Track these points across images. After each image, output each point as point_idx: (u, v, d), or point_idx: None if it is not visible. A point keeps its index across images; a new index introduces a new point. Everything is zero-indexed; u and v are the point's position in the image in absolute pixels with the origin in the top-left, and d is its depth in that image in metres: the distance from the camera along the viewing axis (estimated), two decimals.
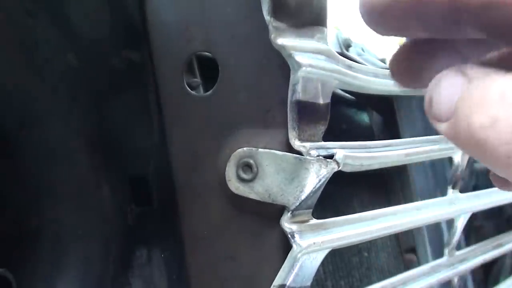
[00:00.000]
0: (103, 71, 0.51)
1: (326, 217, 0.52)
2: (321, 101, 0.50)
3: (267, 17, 0.47)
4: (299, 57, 0.47)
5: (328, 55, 0.50)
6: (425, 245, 0.93)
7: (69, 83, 0.48)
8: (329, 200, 0.50)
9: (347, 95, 0.84)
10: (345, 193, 0.86)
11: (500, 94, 0.28)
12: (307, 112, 0.49)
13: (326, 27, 0.51)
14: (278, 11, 0.47)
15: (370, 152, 0.54)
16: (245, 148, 0.50)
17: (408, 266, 0.94)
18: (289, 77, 0.48)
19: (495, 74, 0.29)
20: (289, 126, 0.48)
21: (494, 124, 0.27)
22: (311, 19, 0.50)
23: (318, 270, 0.52)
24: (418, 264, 0.92)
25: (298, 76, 0.47)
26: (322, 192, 0.49)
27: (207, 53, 0.53)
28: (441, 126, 0.30)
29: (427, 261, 0.90)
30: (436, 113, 0.31)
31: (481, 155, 0.28)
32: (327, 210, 0.65)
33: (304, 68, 0.47)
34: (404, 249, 0.96)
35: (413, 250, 0.95)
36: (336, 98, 0.51)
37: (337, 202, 0.81)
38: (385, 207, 0.61)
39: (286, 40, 0.48)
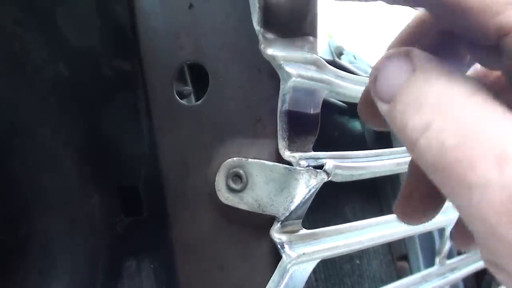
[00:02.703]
0: (93, 80, 0.51)
1: (317, 225, 0.52)
2: (311, 111, 0.50)
3: (257, 27, 0.47)
4: (289, 68, 0.47)
5: (318, 65, 0.50)
6: (417, 253, 0.93)
7: (59, 92, 0.48)
8: (321, 207, 0.50)
9: (339, 102, 0.84)
10: (337, 200, 0.86)
11: (436, 99, 0.28)
12: (297, 122, 0.49)
13: (316, 37, 0.51)
14: (268, 21, 0.47)
15: (360, 162, 0.54)
16: (235, 158, 0.50)
17: (400, 274, 0.94)
18: (279, 87, 0.48)
19: (437, 72, 0.29)
20: (279, 136, 0.48)
21: (425, 131, 0.27)
22: (301, 29, 0.50)
23: (309, 278, 0.52)
24: (410, 271, 0.92)
25: (288, 87, 0.47)
26: (314, 199, 0.49)
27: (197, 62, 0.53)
28: (382, 106, 0.31)
29: (419, 269, 0.90)
30: (378, 92, 0.31)
31: (411, 152, 0.28)
32: (318, 219, 0.65)
33: (293, 78, 0.47)
34: (396, 257, 0.96)
35: (405, 257, 0.95)
36: (328, 106, 0.51)
37: (328, 209, 0.81)
38: (377, 214, 0.61)
39: (276, 51, 0.48)
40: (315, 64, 0.50)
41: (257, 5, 0.47)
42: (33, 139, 0.47)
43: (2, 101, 0.45)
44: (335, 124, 0.65)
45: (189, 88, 0.59)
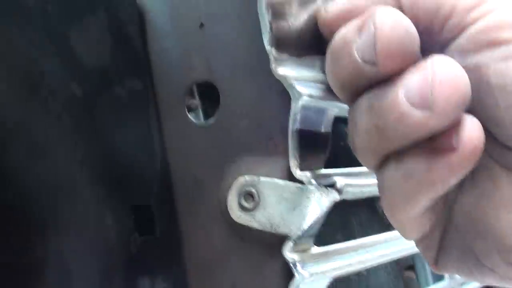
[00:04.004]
0: (106, 100, 0.52)
1: (325, 237, 0.52)
2: (322, 130, 0.51)
3: (268, 47, 0.48)
4: (299, 87, 0.48)
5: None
6: (423, 263, 0.94)
7: (73, 113, 0.49)
8: (328, 219, 0.50)
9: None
10: (344, 211, 0.87)
11: None
12: (308, 141, 0.49)
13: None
14: (279, 41, 0.48)
15: (371, 178, 0.54)
16: (246, 177, 0.50)
17: (407, 284, 0.94)
18: (290, 105, 0.49)
19: None
20: (290, 155, 0.49)
21: None
22: (311, 48, 0.50)
23: None
24: (418, 281, 0.92)
25: (298, 106, 0.48)
26: None
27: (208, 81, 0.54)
28: None
29: (426, 279, 0.90)
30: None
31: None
32: (326, 231, 0.66)
33: (304, 97, 0.48)
34: (403, 267, 0.97)
35: (412, 267, 0.95)
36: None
37: (335, 220, 0.81)
38: (383, 225, 0.61)
39: (287, 70, 0.48)
40: (326, 83, 0.51)
41: (268, 25, 0.47)
42: (48, 160, 0.48)
43: (18, 123, 0.46)
44: (340, 135, 0.65)
45: (196, 101, 0.60)
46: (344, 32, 0.37)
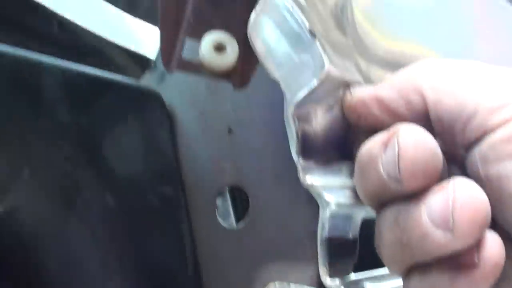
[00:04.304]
0: (138, 209, 0.53)
1: None
2: (350, 236, 0.51)
3: (295, 157, 0.49)
4: (327, 196, 0.49)
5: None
6: None
7: (107, 224, 0.50)
8: None
9: None
10: None
11: None
12: (336, 248, 0.50)
13: (353, 161, 0.52)
14: (306, 150, 0.49)
15: (398, 280, 0.54)
16: (277, 283, 0.51)
17: None
18: (318, 211, 0.49)
19: None
20: (319, 262, 0.49)
21: None
22: (337, 154, 0.51)
23: None
24: None
25: (327, 214, 0.49)
26: None
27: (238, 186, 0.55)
28: None
29: None
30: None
31: None
32: None
33: (332, 206, 0.48)
34: None
35: None
36: None
37: None
38: None
39: (314, 179, 0.49)
40: (353, 188, 0.51)
41: (295, 135, 0.48)
42: (83, 272, 0.49)
43: (55, 237, 0.47)
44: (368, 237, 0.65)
45: (228, 205, 0.61)
46: (371, 146, 0.38)
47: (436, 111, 0.37)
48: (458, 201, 0.33)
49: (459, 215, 0.33)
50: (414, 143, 0.35)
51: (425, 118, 0.38)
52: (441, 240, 0.33)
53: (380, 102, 0.39)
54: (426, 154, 0.35)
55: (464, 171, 0.38)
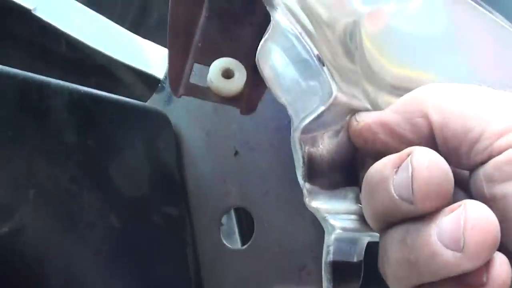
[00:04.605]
0: (143, 229, 0.53)
1: None
2: (354, 260, 0.51)
3: (301, 181, 0.49)
4: (332, 220, 0.49)
5: (360, 214, 0.52)
6: None
7: (111, 245, 0.50)
8: None
9: None
10: None
11: None
12: (341, 272, 0.50)
13: (358, 186, 0.52)
14: (312, 175, 0.49)
15: None
16: None
17: None
18: (323, 235, 0.49)
19: None
20: (323, 286, 0.49)
21: None
22: (343, 180, 0.51)
23: None
24: None
25: (331, 239, 0.49)
26: None
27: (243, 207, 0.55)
28: None
29: None
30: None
31: None
32: None
33: (338, 231, 0.48)
34: None
35: None
36: None
37: None
38: None
39: (320, 203, 0.49)
40: (359, 213, 0.51)
41: (301, 159, 0.48)
42: None
43: (58, 257, 0.47)
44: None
45: (233, 226, 0.61)
46: (380, 167, 0.38)
47: (441, 134, 0.37)
48: (470, 222, 0.33)
49: (469, 237, 0.33)
50: (428, 165, 0.35)
51: (431, 141, 0.38)
52: (450, 261, 0.33)
53: (386, 126, 0.40)
54: (440, 176, 0.35)
55: (467, 191, 0.38)
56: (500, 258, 0.34)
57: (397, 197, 0.36)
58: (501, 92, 0.38)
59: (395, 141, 0.40)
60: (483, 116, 0.36)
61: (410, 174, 0.35)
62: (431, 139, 0.38)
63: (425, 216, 0.35)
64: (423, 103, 0.38)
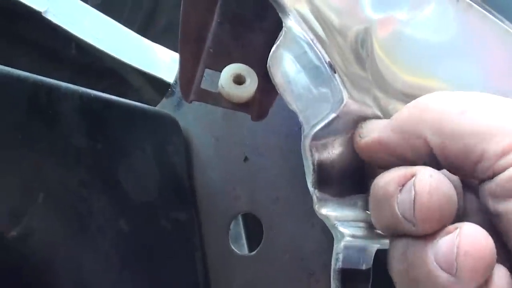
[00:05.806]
0: (152, 234, 0.53)
1: None
2: (363, 267, 0.51)
3: (311, 188, 0.49)
4: (342, 228, 0.48)
5: (370, 221, 0.52)
6: None
7: (120, 249, 0.50)
8: None
9: None
10: None
11: None
12: (349, 279, 0.50)
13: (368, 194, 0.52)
14: (322, 182, 0.49)
15: None
16: None
17: None
18: (332, 242, 0.49)
19: None
20: None
21: None
22: (352, 187, 0.51)
23: None
24: None
25: (341, 246, 0.48)
26: None
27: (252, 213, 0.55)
28: None
29: None
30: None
31: None
32: None
33: (347, 238, 0.48)
34: None
35: None
36: None
37: None
38: None
39: (329, 211, 0.49)
40: (367, 221, 0.51)
41: (311, 166, 0.48)
42: None
43: (66, 261, 0.47)
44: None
45: (241, 232, 0.61)
46: (386, 183, 0.38)
47: (443, 155, 0.37)
48: (463, 248, 0.33)
49: (462, 262, 0.33)
50: (429, 190, 0.35)
51: (433, 157, 0.38)
52: (445, 282, 0.34)
53: (385, 146, 0.40)
54: (441, 200, 0.35)
55: (478, 195, 0.38)
56: (499, 274, 0.34)
57: (400, 215, 0.36)
58: (503, 99, 0.37)
59: (398, 160, 0.40)
60: (482, 134, 0.36)
61: (412, 197, 0.35)
62: (433, 156, 0.38)
63: (426, 235, 0.35)
64: (420, 124, 0.38)
